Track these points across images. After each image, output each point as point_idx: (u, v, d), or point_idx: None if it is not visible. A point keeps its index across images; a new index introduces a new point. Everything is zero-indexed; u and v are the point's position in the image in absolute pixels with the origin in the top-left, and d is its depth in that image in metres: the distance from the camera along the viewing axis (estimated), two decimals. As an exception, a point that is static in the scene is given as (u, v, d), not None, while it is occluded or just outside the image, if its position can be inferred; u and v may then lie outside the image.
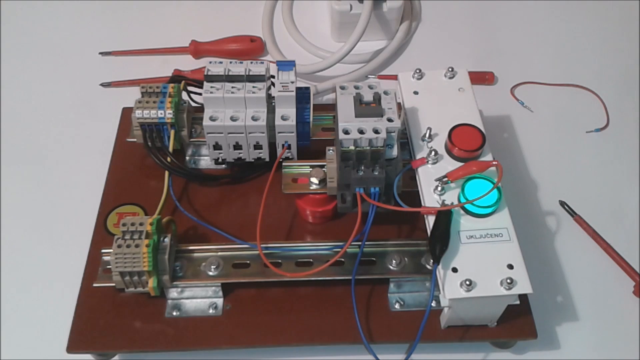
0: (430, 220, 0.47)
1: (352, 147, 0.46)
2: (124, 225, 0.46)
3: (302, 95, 0.55)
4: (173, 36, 0.74)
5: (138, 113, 0.54)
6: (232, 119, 0.52)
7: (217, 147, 0.54)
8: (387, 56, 0.72)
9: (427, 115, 0.53)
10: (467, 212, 0.47)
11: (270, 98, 0.54)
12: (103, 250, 0.49)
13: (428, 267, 0.49)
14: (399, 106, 0.54)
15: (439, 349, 0.51)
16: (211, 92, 0.52)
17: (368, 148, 0.46)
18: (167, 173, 0.54)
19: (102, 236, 0.54)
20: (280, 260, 0.49)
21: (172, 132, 0.55)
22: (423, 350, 0.50)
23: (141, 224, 0.46)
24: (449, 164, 0.49)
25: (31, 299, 0.54)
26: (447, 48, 0.75)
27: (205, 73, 0.53)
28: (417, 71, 0.56)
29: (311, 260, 0.49)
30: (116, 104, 0.63)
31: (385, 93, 0.49)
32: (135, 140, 0.56)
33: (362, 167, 0.47)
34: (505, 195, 0.47)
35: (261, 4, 0.78)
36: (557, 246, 0.58)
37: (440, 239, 0.45)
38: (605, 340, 0.52)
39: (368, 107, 0.47)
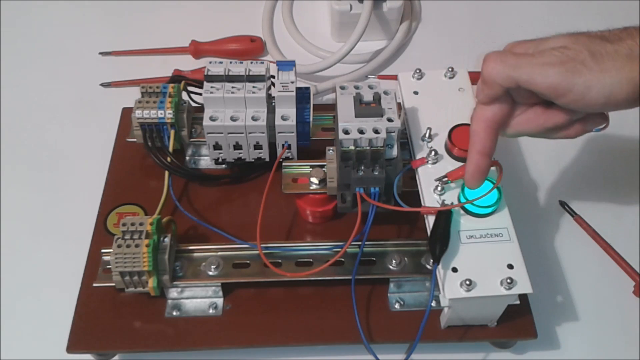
0: (430, 220, 0.47)
1: (352, 147, 0.46)
2: (124, 225, 0.46)
3: (302, 95, 0.55)
4: (173, 36, 0.74)
5: (138, 113, 0.54)
6: (232, 119, 0.52)
7: (217, 147, 0.54)
8: (387, 56, 0.72)
9: (427, 115, 0.53)
10: (467, 212, 0.47)
11: (270, 98, 0.54)
12: (103, 250, 0.49)
13: (428, 267, 0.49)
14: (399, 106, 0.54)
15: (439, 349, 0.51)
16: (211, 92, 0.52)
17: (368, 148, 0.46)
18: (167, 173, 0.54)
19: (102, 236, 0.54)
20: (280, 260, 0.49)
21: (172, 132, 0.55)
22: (423, 350, 0.50)
23: (141, 224, 0.46)
24: (449, 164, 0.49)
25: (31, 299, 0.54)
26: (447, 48, 0.75)
27: (205, 73, 0.53)
28: (417, 71, 0.56)
29: (311, 260, 0.49)
30: (116, 104, 0.63)
31: (385, 93, 0.49)
32: (135, 140, 0.56)
33: (362, 167, 0.47)
34: (505, 195, 0.47)
35: (261, 4, 0.78)
36: (557, 246, 0.58)
37: (440, 239, 0.45)
38: (605, 340, 0.52)
39: (368, 107, 0.47)
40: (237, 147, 0.54)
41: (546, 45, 0.40)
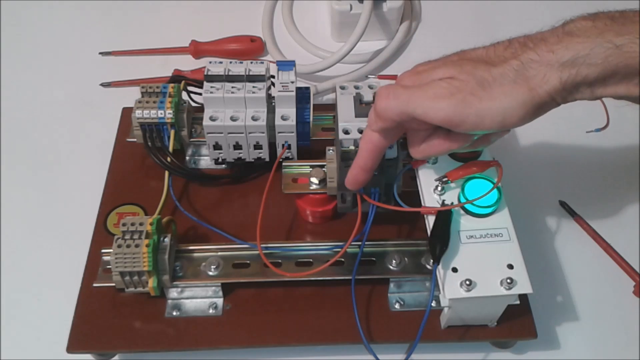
0: (430, 220, 0.47)
1: (352, 147, 0.46)
2: (124, 225, 0.46)
3: (302, 95, 0.55)
4: (173, 36, 0.74)
5: (138, 113, 0.54)
6: (232, 119, 0.52)
7: (217, 147, 0.54)
8: (387, 56, 0.72)
9: (427, 115, 0.53)
10: (467, 212, 0.47)
11: (270, 98, 0.54)
12: (103, 250, 0.49)
13: (428, 267, 0.49)
14: (399, 106, 0.54)
15: (439, 349, 0.51)
16: (211, 92, 0.52)
17: (368, 148, 0.46)
18: (167, 173, 0.54)
19: (102, 236, 0.54)
20: (280, 260, 0.49)
21: (172, 132, 0.55)
22: (423, 350, 0.50)
23: (141, 224, 0.46)
24: (449, 164, 0.49)
25: (31, 299, 0.54)
26: (447, 48, 0.75)
27: (205, 73, 0.53)
28: (417, 71, 0.56)
29: (311, 260, 0.49)
30: (116, 104, 0.63)
31: (386, 93, 0.49)
32: (135, 140, 0.56)
33: (362, 167, 0.47)
34: (505, 195, 0.47)
35: (261, 4, 0.78)
36: (557, 246, 0.58)
37: (440, 239, 0.45)
38: (605, 340, 0.52)
39: (368, 107, 0.47)
40: (237, 147, 0.54)
41: (434, 75, 0.40)
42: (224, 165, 0.58)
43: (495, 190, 0.46)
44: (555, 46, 0.38)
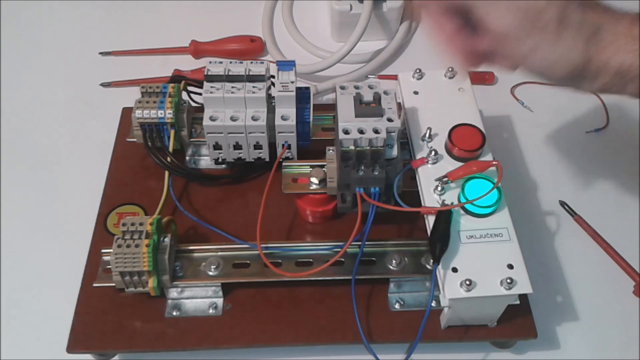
0: (430, 220, 0.47)
1: (352, 147, 0.46)
2: (124, 225, 0.46)
3: (302, 95, 0.55)
4: (173, 36, 0.74)
5: (138, 113, 0.54)
6: (232, 119, 0.52)
7: (217, 147, 0.54)
8: (387, 56, 0.72)
9: (427, 115, 0.53)
10: (467, 212, 0.47)
11: (270, 98, 0.54)
12: (103, 250, 0.49)
13: (428, 267, 0.49)
14: (399, 106, 0.54)
15: (439, 349, 0.51)
16: (211, 92, 0.52)
17: (368, 148, 0.46)
18: (167, 173, 0.54)
19: (102, 236, 0.54)
20: (280, 260, 0.49)
21: (172, 132, 0.55)
22: (423, 350, 0.50)
23: (141, 224, 0.46)
24: (449, 164, 0.49)
25: (31, 299, 0.54)
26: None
27: (205, 73, 0.53)
28: (417, 71, 0.56)
29: (311, 260, 0.49)
30: (116, 104, 0.63)
31: (385, 93, 0.49)
32: (135, 140, 0.56)
33: (362, 167, 0.47)
34: (505, 195, 0.47)
35: (261, 4, 0.78)
36: (557, 246, 0.58)
37: (440, 239, 0.45)
38: (605, 340, 0.52)
39: (368, 107, 0.47)
40: (237, 147, 0.54)
41: None
42: (224, 165, 0.58)
43: (495, 190, 0.46)
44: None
